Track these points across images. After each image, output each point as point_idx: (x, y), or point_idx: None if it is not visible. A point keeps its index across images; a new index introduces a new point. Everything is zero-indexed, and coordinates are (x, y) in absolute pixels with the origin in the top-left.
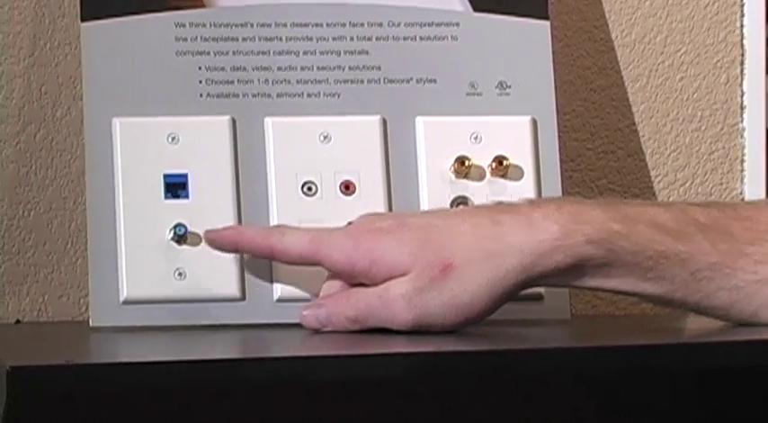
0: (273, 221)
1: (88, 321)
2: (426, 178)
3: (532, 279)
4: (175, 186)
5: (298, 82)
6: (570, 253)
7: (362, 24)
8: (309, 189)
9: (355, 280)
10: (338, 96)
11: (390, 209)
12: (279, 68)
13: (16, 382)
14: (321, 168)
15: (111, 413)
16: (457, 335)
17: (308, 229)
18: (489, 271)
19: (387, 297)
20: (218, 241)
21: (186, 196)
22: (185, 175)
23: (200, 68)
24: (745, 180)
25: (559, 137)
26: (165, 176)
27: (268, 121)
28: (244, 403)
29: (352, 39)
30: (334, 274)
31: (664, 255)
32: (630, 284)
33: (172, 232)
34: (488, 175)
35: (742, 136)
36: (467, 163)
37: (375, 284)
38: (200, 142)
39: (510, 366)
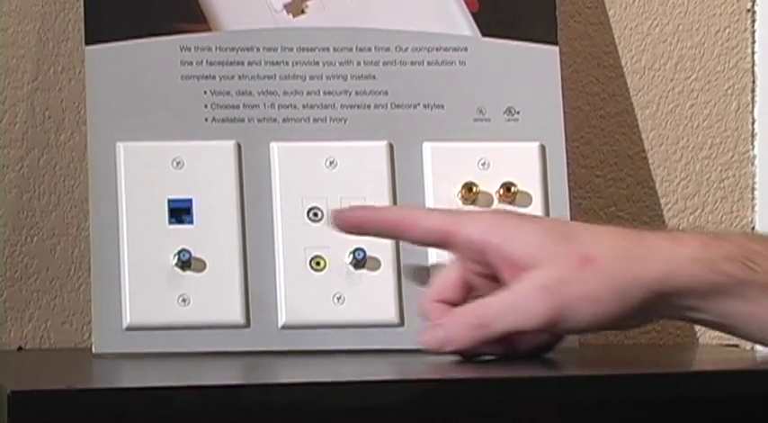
0: (279, 247)
1: (91, 348)
2: (433, 204)
3: (669, 294)
4: (180, 211)
5: (304, 107)
6: (711, 267)
7: (369, 49)
8: (315, 215)
9: (482, 261)
10: (345, 121)
11: None
12: (285, 93)
13: (17, 406)
14: (327, 194)
15: None
16: (461, 362)
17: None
18: (629, 271)
19: (522, 289)
20: (344, 220)
21: (191, 222)
22: (190, 201)
23: (205, 93)
24: (756, 208)
25: (568, 164)
26: (170, 202)
27: (274, 146)
28: None
29: (358, 63)
30: (460, 255)
31: None
32: (766, 308)
33: (176, 258)
34: (496, 201)
35: (753, 164)
36: (474, 189)
37: (500, 272)
38: (205, 167)
39: (513, 394)
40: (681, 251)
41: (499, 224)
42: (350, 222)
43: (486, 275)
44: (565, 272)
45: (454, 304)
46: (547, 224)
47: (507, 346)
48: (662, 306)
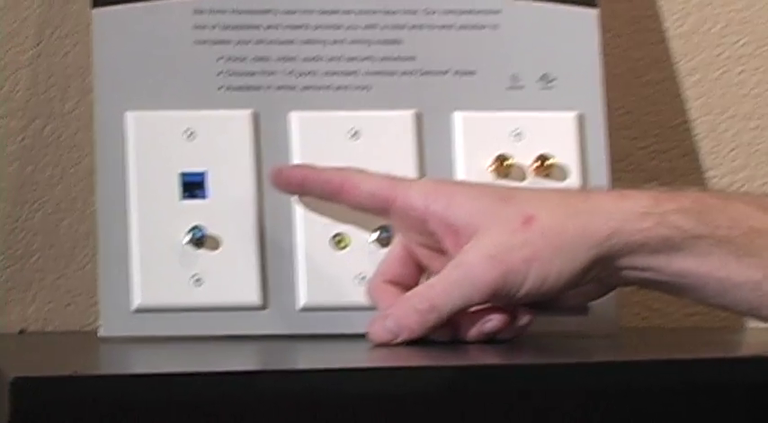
0: (298, 223)
1: (98, 331)
2: (464, 178)
3: (617, 252)
4: (193, 185)
5: (325, 74)
6: (660, 221)
7: (395, 12)
8: None
9: (424, 230)
10: (369, 89)
11: None
12: (305, 59)
13: (20, 394)
14: (350, 166)
15: None
16: (490, 347)
17: None
18: (573, 229)
19: (466, 261)
20: (284, 178)
21: (204, 196)
22: (203, 174)
23: (219, 59)
24: None
25: (608, 134)
26: (182, 175)
27: (293, 115)
28: (263, 419)
29: (384, 27)
30: (401, 224)
31: (761, 232)
32: (722, 266)
33: (188, 235)
34: (530, 175)
35: None
36: (507, 162)
37: (442, 241)
38: (220, 138)
39: (542, 380)
40: (628, 206)
41: (440, 190)
42: (291, 180)
43: (430, 246)
44: (508, 236)
45: (403, 282)
46: (487, 188)
47: (455, 331)
48: (611, 266)
